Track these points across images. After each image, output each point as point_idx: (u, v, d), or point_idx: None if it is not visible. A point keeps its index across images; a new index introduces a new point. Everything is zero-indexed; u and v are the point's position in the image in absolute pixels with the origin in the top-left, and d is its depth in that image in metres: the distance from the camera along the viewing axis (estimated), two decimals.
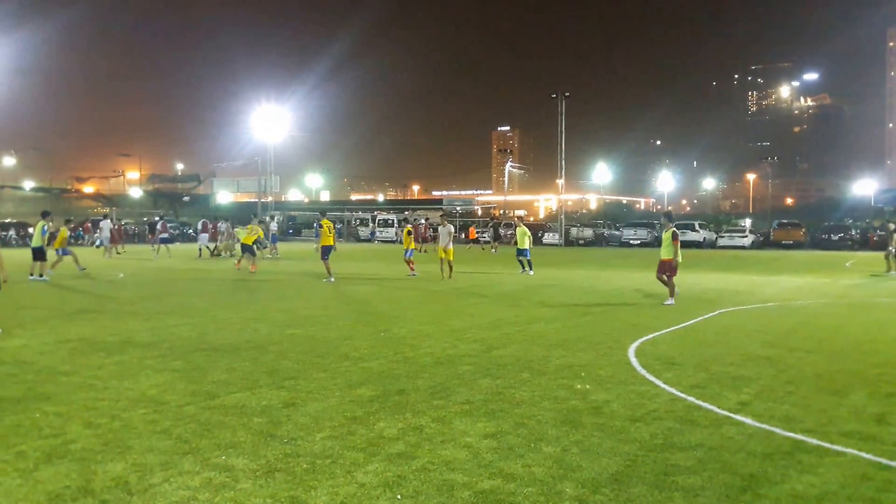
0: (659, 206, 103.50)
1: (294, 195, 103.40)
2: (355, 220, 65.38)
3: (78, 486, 4.33)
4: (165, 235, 34.90)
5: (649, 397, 6.66)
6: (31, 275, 18.99)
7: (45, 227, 19.85)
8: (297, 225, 65.27)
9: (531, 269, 21.77)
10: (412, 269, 21.07)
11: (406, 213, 62.98)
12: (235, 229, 31.14)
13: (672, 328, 10.95)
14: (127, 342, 9.37)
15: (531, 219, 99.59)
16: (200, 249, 32.24)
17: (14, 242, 43.54)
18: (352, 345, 9.25)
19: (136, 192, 77.29)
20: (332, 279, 18.95)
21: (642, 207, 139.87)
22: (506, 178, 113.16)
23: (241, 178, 76.32)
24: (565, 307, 13.56)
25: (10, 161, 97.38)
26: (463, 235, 52.86)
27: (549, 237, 53.89)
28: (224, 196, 77.90)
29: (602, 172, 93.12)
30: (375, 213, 63.91)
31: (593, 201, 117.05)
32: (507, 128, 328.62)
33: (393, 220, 57.70)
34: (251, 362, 8.09)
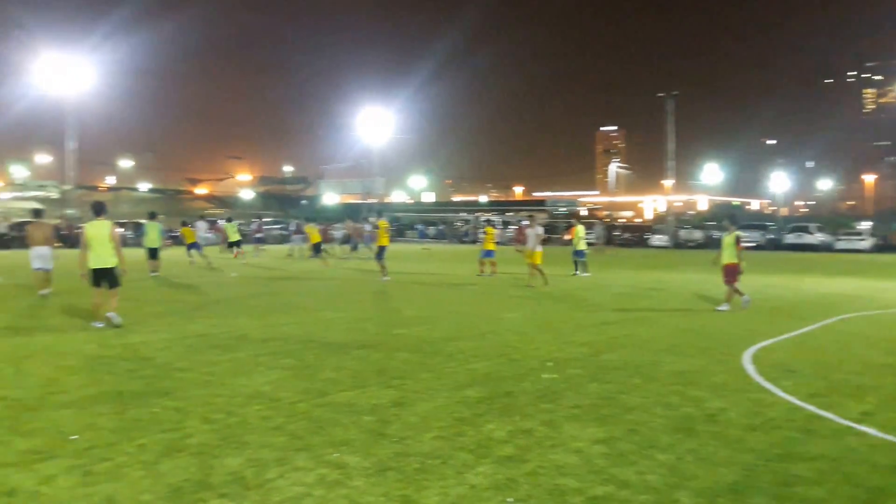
0: (774, 208, 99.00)
1: (398, 196, 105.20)
2: (458, 221, 65.80)
3: (197, 479, 4.53)
4: (260, 236, 36.33)
5: (766, 405, 6.39)
6: (154, 272, 20.23)
7: (162, 228, 21.12)
8: (400, 226, 66.27)
9: (585, 270, 21.61)
10: (482, 271, 21.26)
11: (509, 213, 62.92)
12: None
13: (789, 335, 10.46)
14: (240, 340, 9.75)
15: (638, 220, 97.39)
16: (292, 251, 33.18)
17: (130, 241, 46.26)
18: (456, 346, 9.30)
19: (247, 194, 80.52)
20: (387, 278, 19.44)
21: (756, 208, 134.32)
22: (611, 179, 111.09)
23: (346, 179, 78.34)
24: (674, 311, 13.18)
25: (127, 163, 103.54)
26: (566, 237, 52.23)
27: (656, 239, 52.50)
28: (330, 198, 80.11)
29: (712, 172, 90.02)
30: (477, 213, 64.11)
31: (702, 202, 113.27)
32: (613, 128, 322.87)
33: (496, 222, 57.75)
34: (359, 361, 8.26)
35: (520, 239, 41.30)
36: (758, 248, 46.02)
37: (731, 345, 9.48)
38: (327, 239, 36.84)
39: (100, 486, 4.37)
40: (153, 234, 21.08)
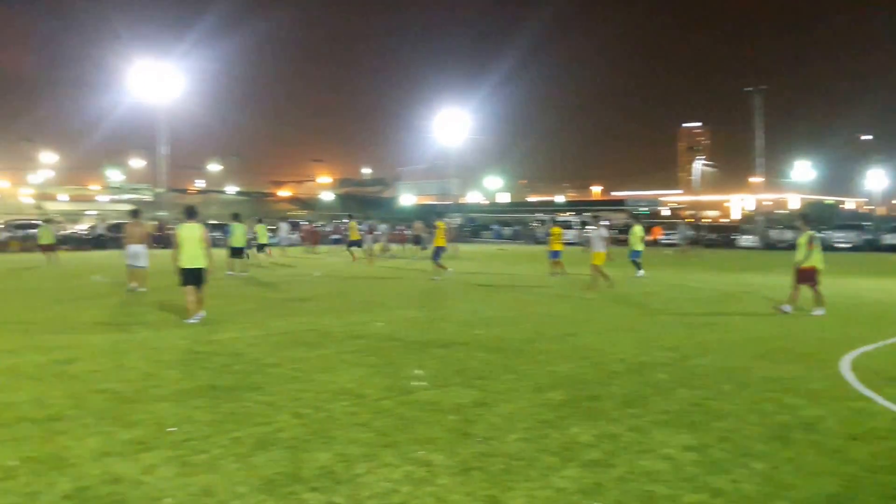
0: (870, 207, 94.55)
1: (473, 197, 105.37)
2: (534, 221, 65.36)
3: (289, 472, 4.66)
4: (338, 237, 37.23)
5: (869, 415, 6.13)
6: (231, 271, 20.95)
7: (245, 229, 21.91)
8: (475, 227, 66.36)
9: (638, 269, 21.10)
10: (555, 272, 21.20)
11: (587, 214, 62.12)
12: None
13: (891, 340, 9.99)
14: (324, 337, 9.98)
15: (724, 220, 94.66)
16: (368, 250, 33.99)
17: (220, 243, 47.90)
18: (537, 347, 9.26)
19: (327, 196, 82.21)
20: (439, 279, 19.71)
21: (851, 207, 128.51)
22: (695, 177, 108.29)
23: (423, 181, 78.98)
24: (766, 315, 12.76)
25: (215, 167, 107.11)
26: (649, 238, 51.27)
27: (744, 240, 50.85)
28: (407, 199, 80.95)
29: (803, 170, 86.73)
30: (555, 214, 63.54)
31: (793, 201, 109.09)
32: (696, 123, 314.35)
33: (572, 222, 57.12)
34: (440, 361, 8.33)
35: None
36: (854, 248, 44.03)
37: (828, 351, 9.12)
38: (399, 239, 37.39)
39: (197, 477, 4.56)
40: (238, 233, 21.96)
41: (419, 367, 7.91)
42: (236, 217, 22.97)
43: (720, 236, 51.80)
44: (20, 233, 41.54)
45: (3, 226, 42.58)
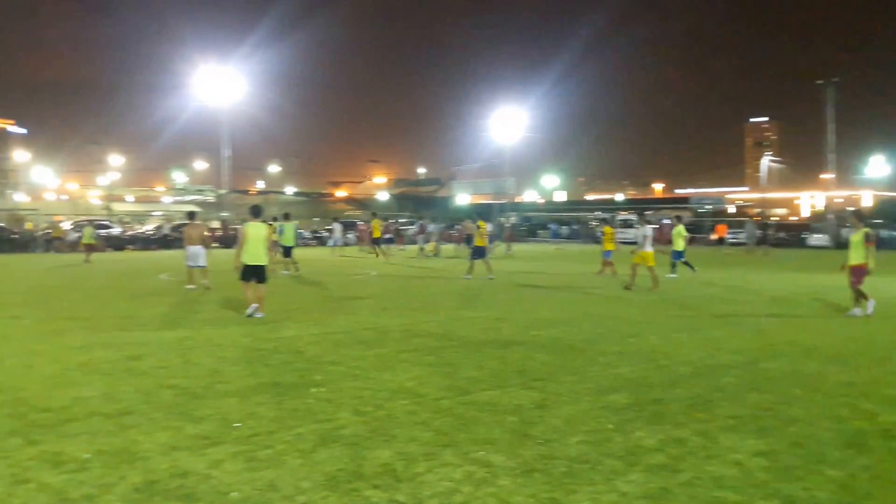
0: None
1: (530, 196, 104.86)
2: (592, 220, 64.69)
3: (351, 469, 4.71)
4: (389, 236, 37.78)
5: None
6: (284, 271, 21.38)
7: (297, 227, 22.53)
8: (532, 226, 66.02)
9: (672, 271, 20.76)
10: (603, 271, 21.16)
11: (648, 212, 61.22)
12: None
13: None
14: (383, 336, 10.07)
15: (793, 218, 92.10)
16: (422, 249, 35.06)
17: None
18: (598, 349, 9.15)
19: (383, 196, 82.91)
20: (471, 277, 19.84)
21: None
22: (762, 174, 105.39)
23: (478, 180, 78.90)
24: (838, 317, 12.36)
25: (274, 168, 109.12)
26: (712, 236, 50.26)
27: (815, 238, 49.31)
28: (462, 198, 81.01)
29: (877, 165, 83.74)
30: (615, 212, 62.77)
31: (867, 198, 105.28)
32: (764, 118, 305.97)
33: (633, 221, 56.33)
34: (499, 361, 8.31)
35: (659, 238, 40.15)
36: None
37: None
38: (450, 239, 37.68)
39: (262, 472, 4.65)
40: (289, 233, 22.56)
41: (478, 368, 7.91)
42: (287, 217, 23.59)
43: (789, 235, 50.37)
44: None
45: (72, 226, 44.15)
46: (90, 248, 29.84)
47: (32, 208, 58.28)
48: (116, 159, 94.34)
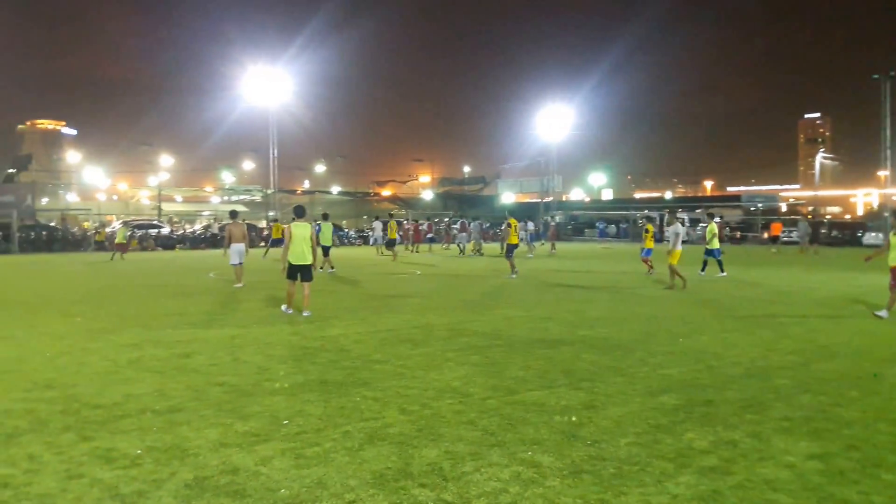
0: None
1: (576, 194, 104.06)
2: (640, 219, 63.99)
3: (398, 468, 4.74)
4: (431, 235, 38.08)
5: None
6: (320, 268, 21.80)
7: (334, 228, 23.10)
8: (578, 225, 65.51)
9: (702, 269, 20.73)
10: (650, 269, 21.05)
11: (698, 210, 60.34)
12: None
13: None
14: (429, 335, 10.10)
15: (847, 216, 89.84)
16: (461, 248, 35.39)
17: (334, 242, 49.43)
18: (648, 349, 9.05)
19: (427, 195, 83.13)
20: (515, 276, 20.01)
21: None
22: (816, 171, 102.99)
23: (524, 178, 78.56)
24: (892, 319, 12.01)
25: (320, 168, 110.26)
26: (765, 235, 49.25)
27: (870, 237, 47.94)
28: (508, 196, 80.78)
29: None
30: (664, 211, 61.92)
31: None
32: (817, 115, 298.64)
33: (683, 219, 55.54)
34: (545, 361, 8.27)
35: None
36: None
37: None
38: (493, 238, 37.76)
39: (311, 469, 4.70)
40: (327, 233, 22.98)
41: (524, 367, 7.89)
42: (325, 217, 24.08)
43: (843, 234, 49.12)
44: (139, 232, 44.10)
45: (122, 225, 45.28)
46: (121, 248, 32.37)
47: (84, 208, 59.81)
48: (166, 160, 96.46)
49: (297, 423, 5.72)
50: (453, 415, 5.99)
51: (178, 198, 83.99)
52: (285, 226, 13.04)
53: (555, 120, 62.20)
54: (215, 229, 45.22)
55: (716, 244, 20.85)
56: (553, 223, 44.40)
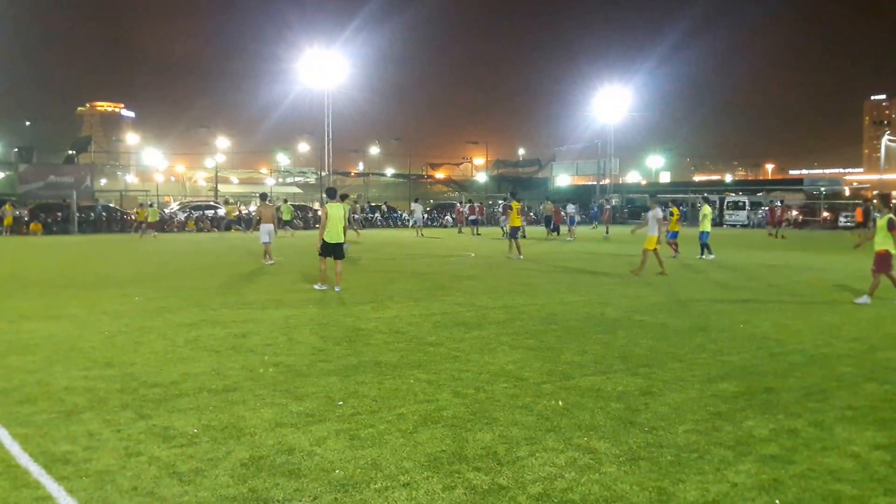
0: None
1: (633, 177, 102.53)
2: (699, 202, 62.87)
3: (452, 451, 4.76)
4: (475, 218, 37.85)
5: None
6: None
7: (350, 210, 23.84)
8: (635, 208, 64.56)
9: (709, 252, 21.23)
10: (675, 252, 21.51)
11: (759, 194, 58.90)
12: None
13: None
14: (483, 318, 10.10)
15: None
16: (504, 230, 35.03)
17: (379, 223, 49.55)
18: (707, 336, 8.90)
19: (481, 178, 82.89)
20: (521, 257, 20.73)
21: None
22: (882, 154, 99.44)
23: (579, 160, 77.73)
24: None
25: (374, 150, 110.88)
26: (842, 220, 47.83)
27: None
28: (563, 179, 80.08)
29: None
30: (724, 194, 60.59)
31: None
32: (882, 96, 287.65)
33: (744, 203, 54.27)
34: (602, 346, 8.20)
35: (771, 221, 38.51)
36: None
37: None
38: (529, 220, 37.63)
39: (365, 451, 4.75)
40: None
41: (580, 352, 7.83)
42: (344, 198, 24.56)
43: None
44: (195, 213, 44.99)
45: (179, 207, 46.28)
46: (151, 226, 34.98)
47: (143, 190, 61.27)
48: (222, 142, 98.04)
49: (352, 404, 5.79)
50: (508, 399, 5.98)
51: (234, 179, 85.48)
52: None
53: (612, 102, 61.28)
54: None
55: (706, 227, 21.55)
56: (608, 206, 43.78)
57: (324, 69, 50.26)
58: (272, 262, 18.82)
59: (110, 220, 42.67)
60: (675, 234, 21.78)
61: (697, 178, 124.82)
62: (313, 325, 9.47)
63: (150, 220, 35.63)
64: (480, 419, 5.42)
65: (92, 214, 42.39)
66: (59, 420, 5.40)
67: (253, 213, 31.84)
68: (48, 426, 5.25)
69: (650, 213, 17.04)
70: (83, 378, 6.69)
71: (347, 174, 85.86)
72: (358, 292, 12.92)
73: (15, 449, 4.77)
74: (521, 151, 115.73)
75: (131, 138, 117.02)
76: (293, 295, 12.64)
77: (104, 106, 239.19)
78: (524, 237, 33.11)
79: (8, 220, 37.64)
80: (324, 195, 13.05)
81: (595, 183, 66.92)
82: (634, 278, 15.63)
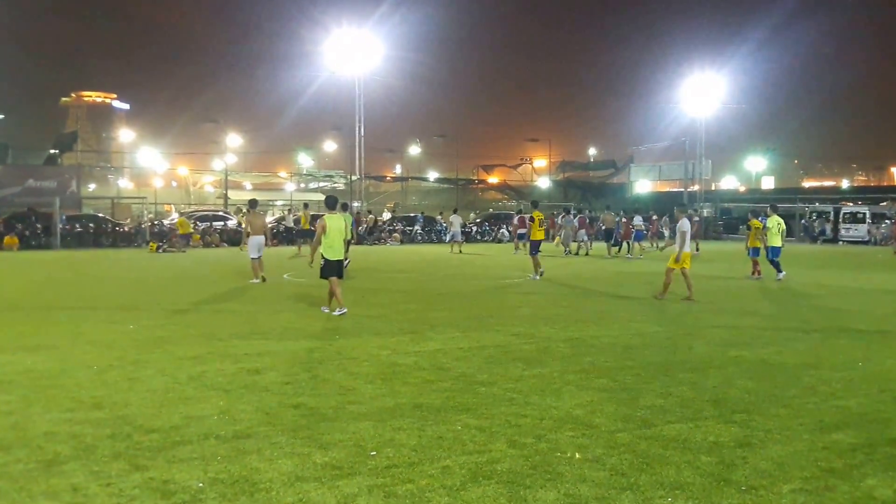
0: None
1: (729, 182, 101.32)
2: (810, 213, 61.73)
3: None
4: (523, 231, 37.86)
5: None
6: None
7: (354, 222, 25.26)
8: (731, 220, 63.71)
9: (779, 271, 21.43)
10: (757, 273, 21.92)
11: (883, 203, 57.67)
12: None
13: None
14: (545, 353, 10.12)
15: None
16: (582, 245, 35.32)
17: (419, 238, 49.65)
18: (818, 376, 8.79)
19: (543, 182, 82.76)
20: (538, 277, 21.48)
21: None
22: None
23: (663, 163, 77.10)
24: None
25: (415, 150, 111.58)
26: None
27: None
28: (642, 185, 79.53)
29: None
30: (840, 204, 59.50)
31: None
32: None
33: (864, 214, 53.20)
34: (689, 387, 8.16)
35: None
36: None
37: None
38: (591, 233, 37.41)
39: None
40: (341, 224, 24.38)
41: (663, 395, 7.79)
42: (345, 207, 26.45)
43: None
44: (202, 225, 45.25)
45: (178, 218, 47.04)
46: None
47: (139, 196, 62.28)
48: (234, 139, 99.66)
49: (387, 455, 5.85)
50: (575, 450, 5.99)
51: (248, 184, 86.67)
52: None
53: (703, 92, 60.77)
54: (290, 222, 46.27)
55: (777, 242, 21.65)
56: (697, 218, 43.40)
57: (354, 52, 50.70)
58: (258, 281, 19.53)
59: (99, 233, 43.44)
60: (755, 252, 22.12)
61: (807, 183, 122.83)
62: (341, 360, 9.57)
63: (180, 231, 37.75)
64: (542, 474, 5.43)
65: (77, 226, 43.21)
66: (39, 471, 5.54)
67: (242, 225, 32.33)
68: (25, 479, 5.39)
69: (676, 226, 17.28)
70: (67, 421, 6.83)
71: (382, 178, 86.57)
72: (393, 320, 13.04)
73: None
74: (592, 151, 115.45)
75: (125, 135, 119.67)
76: (316, 323, 12.80)
77: (93, 96, 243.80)
78: (587, 254, 33.13)
79: None
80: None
81: (682, 190, 66.28)
82: (658, 301, 16.18)
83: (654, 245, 35.03)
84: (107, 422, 6.81)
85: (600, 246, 35.20)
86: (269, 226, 47.80)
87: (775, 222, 22.02)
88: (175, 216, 48.88)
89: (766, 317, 13.95)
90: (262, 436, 6.37)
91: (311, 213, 38.91)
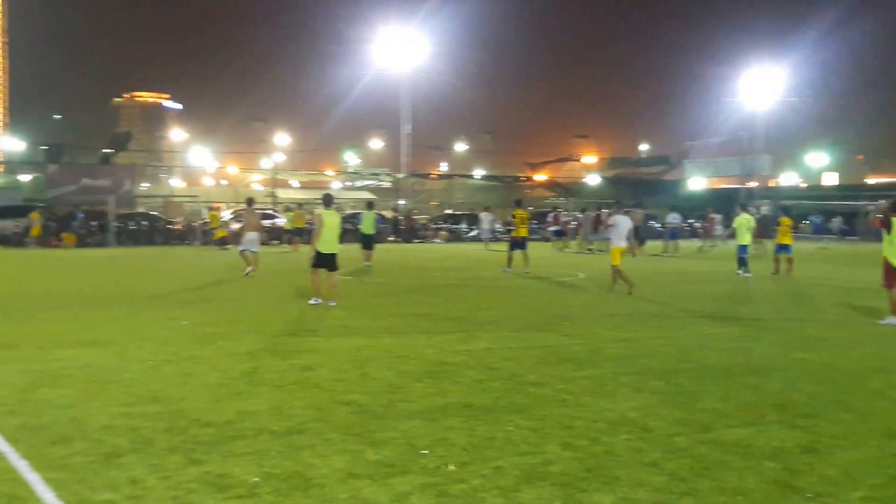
0: None
1: (789, 179, 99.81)
2: (874, 211, 60.49)
3: None
4: (556, 228, 37.71)
5: None
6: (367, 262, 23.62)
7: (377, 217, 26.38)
8: (792, 218, 62.61)
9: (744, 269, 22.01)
10: (775, 269, 22.52)
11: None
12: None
13: None
14: (597, 353, 10.06)
15: None
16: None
17: (464, 235, 49.72)
18: (886, 380, 8.63)
19: (593, 179, 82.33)
20: (509, 270, 22.81)
21: None
22: None
23: (719, 158, 76.31)
24: None
25: (461, 147, 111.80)
26: None
27: None
28: (697, 181, 78.71)
29: None
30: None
31: None
32: None
33: (791, 208, 51.89)
34: (751, 391, 8.05)
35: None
36: None
37: None
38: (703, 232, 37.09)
39: None
40: (368, 222, 25.06)
41: (723, 398, 7.69)
42: (370, 206, 27.11)
43: None
44: None
45: (233, 216, 47.64)
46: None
47: (190, 195, 63.30)
48: (282, 138, 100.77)
49: (438, 454, 5.85)
50: (631, 453, 5.93)
51: (295, 183, 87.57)
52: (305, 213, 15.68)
53: (762, 84, 59.98)
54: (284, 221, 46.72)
55: (746, 240, 22.45)
56: (758, 216, 42.73)
57: (401, 50, 51.04)
58: (253, 272, 20.94)
59: (152, 231, 44.34)
60: (785, 248, 22.53)
61: (872, 179, 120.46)
62: (390, 358, 9.62)
63: (212, 225, 39.40)
64: (597, 477, 5.39)
65: (131, 224, 44.15)
66: (98, 464, 5.64)
67: (239, 223, 32.67)
68: (85, 471, 5.49)
69: (610, 220, 18.04)
70: (124, 415, 6.95)
71: (427, 176, 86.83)
72: (439, 319, 13.08)
73: (49, 497, 5.02)
74: (644, 147, 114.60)
75: (177, 134, 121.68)
76: (364, 321, 12.88)
77: (145, 96, 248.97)
78: (633, 255, 32.76)
79: (35, 230, 39.15)
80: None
81: (739, 186, 65.47)
82: (712, 303, 16.14)
83: (709, 245, 34.65)
84: (163, 416, 6.92)
85: (653, 245, 34.84)
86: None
87: (744, 220, 22.84)
88: (226, 214, 49.51)
89: (830, 319, 13.74)
90: (314, 432, 6.41)
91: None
